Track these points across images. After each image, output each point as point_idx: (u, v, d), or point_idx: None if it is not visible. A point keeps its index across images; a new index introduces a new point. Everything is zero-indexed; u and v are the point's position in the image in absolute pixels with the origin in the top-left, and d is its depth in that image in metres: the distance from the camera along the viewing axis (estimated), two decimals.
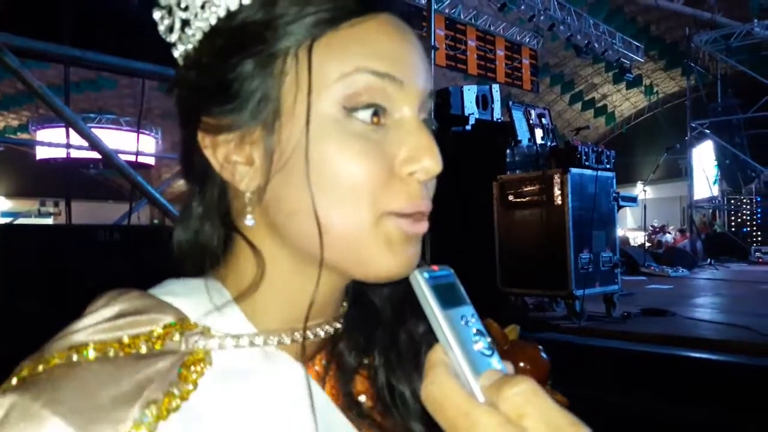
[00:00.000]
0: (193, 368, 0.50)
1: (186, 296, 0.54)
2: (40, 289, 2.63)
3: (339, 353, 0.60)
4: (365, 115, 0.51)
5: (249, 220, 0.54)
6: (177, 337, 0.51)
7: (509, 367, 0.44)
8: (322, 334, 0.58)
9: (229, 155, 0.54)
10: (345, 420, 0.56)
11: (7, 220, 15.59)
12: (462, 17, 12.24)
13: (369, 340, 0.61)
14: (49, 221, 17.51)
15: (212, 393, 0.50)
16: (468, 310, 0.47)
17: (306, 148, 0.50)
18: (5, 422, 0.44)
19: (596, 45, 13.67)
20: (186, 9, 0.55)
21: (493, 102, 5.77)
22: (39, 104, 3.28)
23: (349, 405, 0.58)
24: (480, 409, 0.40)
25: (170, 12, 0.56)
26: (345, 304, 0.62)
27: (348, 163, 0.50)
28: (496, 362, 0.44)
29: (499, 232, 4.93)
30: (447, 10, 11.84)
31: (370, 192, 0.51)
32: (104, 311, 0.51)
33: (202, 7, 0.53)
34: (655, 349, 3.77)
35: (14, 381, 0.47)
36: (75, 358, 0.48)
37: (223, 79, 0.53)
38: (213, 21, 0.53)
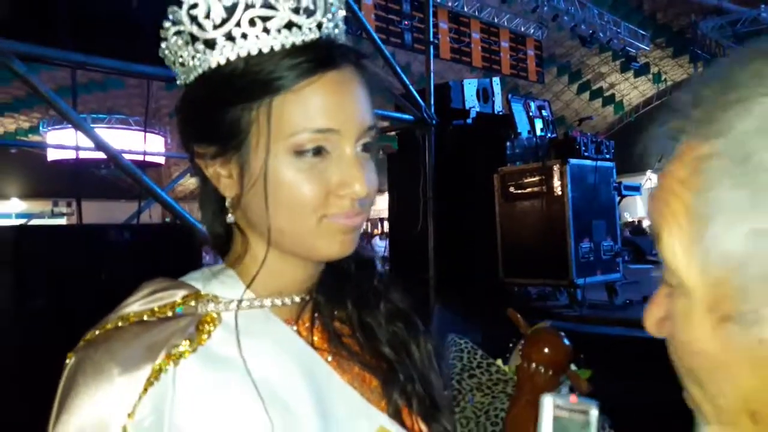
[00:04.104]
0: (206, 326, 0.70)
1: (199, 279, 0.75)
2: (54, 287, 2.71)
3: (318, 305, 0.79)
4: (310, 154, 0.68)
5: (230, 218, 0.74)
6: (193, 303, 0.71)
7: None
8: (306, 298, 0.77)
9: (217, 170, 0.72)
10: (326, 366, 0.74)
11: (22, 221, 15.78)
12: (465, 10, 12.23)
13: (341, 294, 0.80)
14: (63, 221, 17.69)
15: (223, 341, 0.69)
16: None
17: (264, 182, 0.68)
18: (78, 368, 0.66)
19: (601, 34, 13.63)
20: (181, 56, 0.70)
21: (493, 95, 5.81)
22: (49, 106, 3.39)
23: (333, 341, 0.77)
24: None
25: (171, 52, 0.71)
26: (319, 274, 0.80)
27: (297, 188, 0.68)
28: None
29: (500, 224, 4.98)
30: (450, 3, 11.84)
31: (312, 205, 0.69)
32: (142, 292, 0.72)
33: (192, 58, 0.69)
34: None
35: (81, 344, 0.69)
36: (120, 323, 0.69)
37: (207, 120, 0.71)
38: (200, 71, 0.70)
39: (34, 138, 17.39)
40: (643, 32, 15.26)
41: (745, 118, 0.41)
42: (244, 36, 0.67)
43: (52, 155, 14.68)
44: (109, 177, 14.42)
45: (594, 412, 0.49)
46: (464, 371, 1.36)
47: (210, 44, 0.68)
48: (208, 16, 0.67)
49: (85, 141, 5.30)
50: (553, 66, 18.48)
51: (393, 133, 6.30)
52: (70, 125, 3.38)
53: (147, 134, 7.83)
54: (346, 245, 0.72)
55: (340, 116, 0.68)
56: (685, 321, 0.45)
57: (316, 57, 0.68)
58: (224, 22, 0.67)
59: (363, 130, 0.70)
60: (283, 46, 0.67)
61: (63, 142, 12.02)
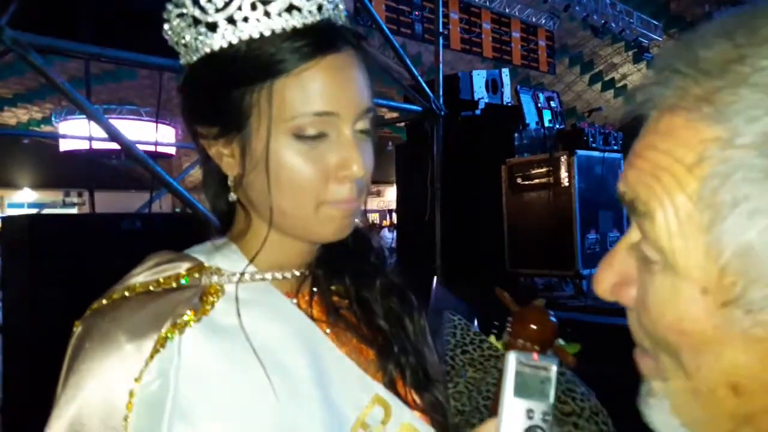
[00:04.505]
0: (210, 297, 0.73)
1: (202, 253, 0.78)
2: (66, 275, 2.76)
3: (317, 279, 0.82)
4: (310, 137, 0.70)
5: (231, 197, 0.77)
6: (197, 275, 0.75)
7: None
8: (306, 273, 0.81)
9: (219, 150, 0.75)
10: (324, 337, 0.78)
11: (34, 211, 15.91)
12: (476, 0, 12.18)
13: (339, 269, 0.84)
14: (74, 211, 17.81)
15: (226, 312, 0.73)
16: (541, 406, 0.52)
17: (267, 163, 0.71)
18: (86, 335, 0.69)
19: (613, 25, 13.53)
20: (184, 38, 0.72)
21: (502, 86, 5.80)
22: (61, 97, 3.44)
23: (332, 314, 0.81)
24: None
25: (174, 33, 0.73)
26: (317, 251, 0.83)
27: (297, 171, 0.71)
28: None
29: (507, 215, 4.99)
30: None
31: (312, 189, 0.71)
32: (147, 264, 0.76)
33: (195, 39, 0.71)
34: None
35: (88, 312, 0.73)
36: (127, 293, 0.72)
37: (209, 102, 0.73)
38: (202, 53, 0.71)
39: (46, 128, 17.49)
40: (656, 22, 15.14)
41: (764, 105, 0.40)
42: (246, 19, 0.68)
43: (65, 146, 14.78)
44: (120, 167, 14.51)
45: (554, 368, 0.53)
46: (457, 347, 1.42)
47: (212, 27, 0.69)
48: (210, 0, 0.68)
49: (97, 131, 5.37)
50: (565, 56, 18.36)
51: (402, 124, 6.32)
52: (82, 116, 3.43)
53: (158, 125, 7.88)
54: (343, 229, 0.75)
55: (338, 99, 0.70)
56: (670, 299, 0.45)
57: (316, 40, 0.69)
58: (226, 5, 0.68)
59: (361, 113, 0.72)
60: (283, 29, 0.68)
61: (75, 133, 12.11)
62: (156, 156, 5.96)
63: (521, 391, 0.52)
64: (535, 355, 0.53)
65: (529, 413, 0.51)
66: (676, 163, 0.44)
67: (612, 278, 0.50)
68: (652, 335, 0.48)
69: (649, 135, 0.47)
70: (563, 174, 4.59)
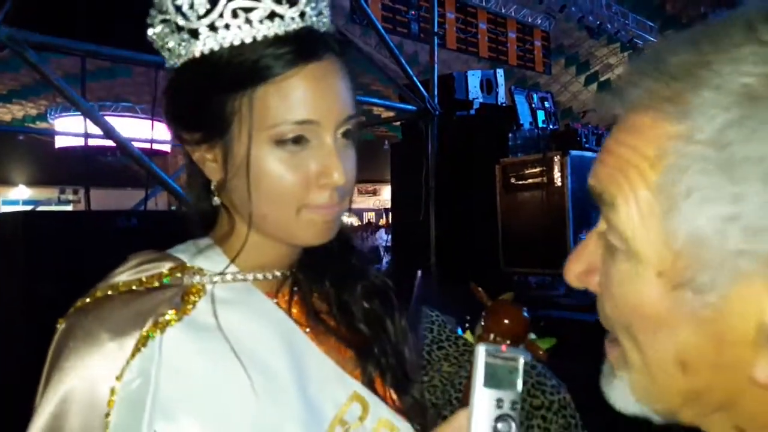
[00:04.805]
0: (192, 296, 0.74)
1: (185, 252, 0.79)
2: (62, 273, 2.76)
3: (298, 281, 0.83)
4: (290, 143, 0.71)
5: (215, 201, 0.78)
6: (179, 275, 0.75)
7: None
8: (287, 273, 0.82)
9: (203, 155, 0.76)
10: (303, 335, 0.79)
11: (29, 208, 15.84)
12: (472, 0, 12.19)
13: (320, 273, 0.84)
14: (69, 208, 17.75)
15: (207, 311, 0.73)
16: (510, 396, 0.54)
17: (247, 168, 0.71)
18: (69, 333, 0.70)
19: (609, 26, 13.57)
20: (168, 43, 0.73)
21: (497, 86, 5.83)
22: (56, 93, 3.45)
23: (311, 317, 0.81)
24: None
25: (158, 38, 0.74)
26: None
27: (278, 178, 0.71)
28: None
29: (501, 214, 5.02)
30: None
31: (292, 195, 0.72)
32: (130, 263, 0.77)
33: (179, 45, 0.72)
34: None
35: (72, 310, 0.74)
36: (110, 292, 0.73)
37: (192, 107, 0.73)
38: (185, 59, 0.72)
39: (41, 125, 17.41)
40: (652, 24, 15.20)
41: (722, 104, 0.43)
42: (227, 27, 0.68)
43: (60, 142, 14.73)
44: (115, 164, 14.48)
45: (521, 359, 0.55)
46: (434, 343, 1.45)
47: (194, 34, 0.69)
48: (192, 7, 0.69)
49: (92, 128, 5.37)
50: (561, 57, 18.38)
51: (398, 123, 6.35)
52: (77, 113, 3.44)
53: (153, 122, 7.88)
54: (324, 234, 0.76)
55: (319, 108, 0.70)
56: (630, 283, 0.48)
57: (298, 48, 0.69)
58: (208, 12, 0.68)
59: (342, 120, 0.72)
60: (265, 36, 0.68)
61: (71, 130, 12.08)
62: (151, 153, 5.97)
63: (491, 381, 0.54)
64: (503, 347, 0.55)
65: (499, 402, 0.54)
66: (641, 158, 0.47)
67: (579, 267, 0.54)
68: (615, 319, 0.51)
69: (619, 133, 0.50)
70: (556, 174, 4.62)
